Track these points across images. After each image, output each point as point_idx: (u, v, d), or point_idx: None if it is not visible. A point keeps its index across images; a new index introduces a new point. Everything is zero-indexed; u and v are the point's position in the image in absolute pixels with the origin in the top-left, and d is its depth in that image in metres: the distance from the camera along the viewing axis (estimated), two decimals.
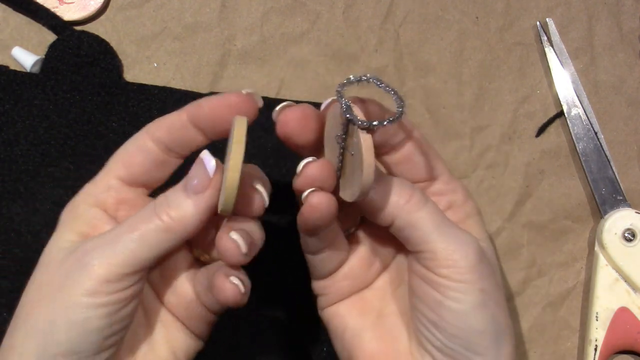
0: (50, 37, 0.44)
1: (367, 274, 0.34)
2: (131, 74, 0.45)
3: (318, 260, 0.33)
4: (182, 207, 0.30)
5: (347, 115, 0.28)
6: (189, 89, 0.44)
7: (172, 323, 0.33)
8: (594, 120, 0.45)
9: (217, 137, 0.32)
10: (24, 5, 0.44)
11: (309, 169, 0.29)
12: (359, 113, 0.28)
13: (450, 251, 0.29)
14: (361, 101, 0.30)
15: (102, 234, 0.30)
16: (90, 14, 0.45)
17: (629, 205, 0.44)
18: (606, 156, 0.45)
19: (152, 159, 0.32)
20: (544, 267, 0.45)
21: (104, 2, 0.45)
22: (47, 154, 0.42)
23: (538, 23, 0.46)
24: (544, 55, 0.46)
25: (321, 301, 0.35)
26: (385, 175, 0.31)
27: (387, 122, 0.27)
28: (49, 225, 0.36)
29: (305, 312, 0.41)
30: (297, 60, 0.46)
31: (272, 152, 0.43)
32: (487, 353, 0.30)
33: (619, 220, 0.43)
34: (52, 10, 0.44)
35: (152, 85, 0.44)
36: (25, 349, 0.29)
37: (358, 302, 0.34)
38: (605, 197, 0.44)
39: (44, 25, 0.44)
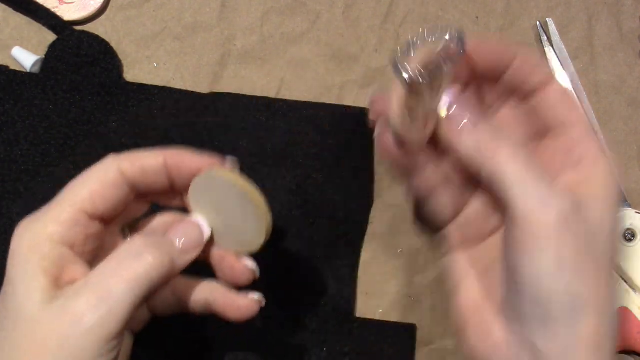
0: (50, 37, 0.44)
1: (483, 228, 0.32)
2: (131, 74, 0.45)
3: (432, 206, 0.32)
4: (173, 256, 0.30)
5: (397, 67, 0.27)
6: (189, 89, 0.44)
7: None
8: (594, 120, 0.45)
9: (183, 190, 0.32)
10: (24, 5, 0.44)
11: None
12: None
13: (528, 210, 0.27)
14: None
15: (85, 284, 0.28)
16: (90, 14, 0.45)
17: (629, 205, 0.44)
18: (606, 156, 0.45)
19: (122, 198, 0.31)
20: None
21: (104, 2, 0.45)
22: (47, 154, 0.42)
23: (538, 23, 0.46)
24: (544, 55, 0.46)
25: (441, 249, 0.34)
26: (478, 124, 0.30)
27: (438, 68, 0.27)
28: None
29: (306, 312, 0.41)
30: (297, 60, 0.46)
31: (272, 152, 0.43)
32: (557, 326, 0.27)
33: (618, 220, 0.43)
34: (52, 10, 0.44)
35: (152, 85, 0.44)
36: None
37: (471, 252, 0.33)
38: None
39: (44, 25, 0.44)
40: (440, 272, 0.44)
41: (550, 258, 0.27)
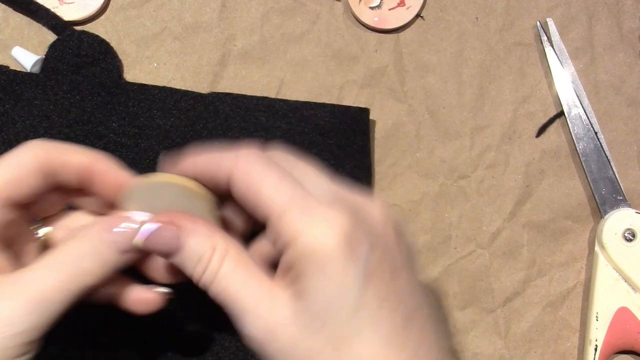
0: (51, 37, 0.44)
1: None
2: (131, 74, 0.45)
3: None
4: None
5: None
6: (189, 89, 0.44)
7: None
8: (594, 120, 0.45)
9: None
10: (24, 5, 0.44)
11: None
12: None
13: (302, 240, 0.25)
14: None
15: (17, 283, 0.27)
16: (90, 14, 0.45)
17: (629, 205, 0.44)
18: (606, 156, 0.45)
19: (39, 188, 0.30)
20: (544, 267, 0.45)
21: (104, 2, 0.45)
22: None
23: (538, 23, 0.46)
24: (544, 55, 0.46)
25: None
26: None
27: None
28: None
29: None
30: (297, 60, 0.46)
31: None
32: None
33: (619, 220, 0.43)
34: (52, 10, 0.44)
35: (152, 85, 0.43)
36: None
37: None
38: (605, 197, 0.44)
39: (44, 25, 0.44)
40: (440, 272, 0.44)
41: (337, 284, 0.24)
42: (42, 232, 0.32)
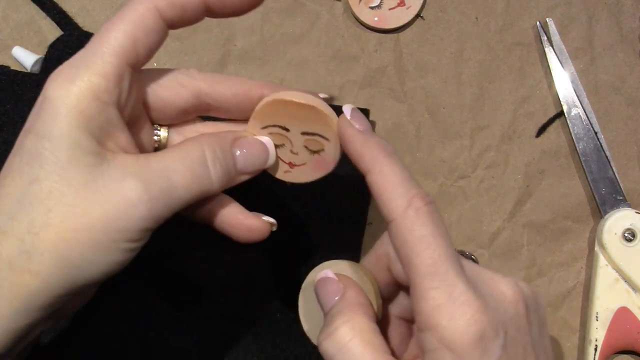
0: (51, 37, 0.44)
1: None
2: None
3: None
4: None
5: None
6: None
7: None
8: (594, 120, 0.45)
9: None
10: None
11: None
12: None
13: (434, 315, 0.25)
14: None
15: (144, 168, 0.26)
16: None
17: (629, 205, 0.44)
18: (606, 156, 0.45)
19: (158, 42, 0.28)
20: (544, 267, 0.45)
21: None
22: None
23: (538, 23, 0.46)
24: (544, 55, 0.46)
25: None
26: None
27: None
28: None
29: None
30: (297, 60, 0.46)
31: None
32: None
33: (619, 220, 0.43)
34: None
35: None
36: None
37: None
38: (605, 197, 0.44)
39: (48, 15, 0.44)
40: None
41: None
42: (160, 133, 0.31)
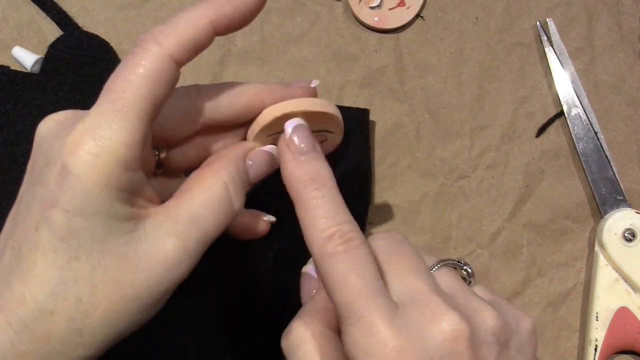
0: (51, 36, 0.44)
1: None
2: None
3: None
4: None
5: None
6: None
7: None
8: (594, 120, 0.45)
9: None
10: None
11: None
12: None
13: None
14: None
15: (169, 219, 0.27)
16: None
17: (629, 205, 0.44)
18: (606, 156, 0.45)
19: (173, 89, 0.27)
20: (544, 267, 0.45)
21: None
22: None
23: (538, 23, 0.46)
24: (544, 55, 0.46)
25: None
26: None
27: None
28: None
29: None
30: (297, 60, 0.46)
31: None
32: None
33: (619, 220, 0.43)
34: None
35: None
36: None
37: None
38: (605, 197, 0.44)
39: (48, 15, 0.44)
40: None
41: None
42: (161, 155, 0.31)
